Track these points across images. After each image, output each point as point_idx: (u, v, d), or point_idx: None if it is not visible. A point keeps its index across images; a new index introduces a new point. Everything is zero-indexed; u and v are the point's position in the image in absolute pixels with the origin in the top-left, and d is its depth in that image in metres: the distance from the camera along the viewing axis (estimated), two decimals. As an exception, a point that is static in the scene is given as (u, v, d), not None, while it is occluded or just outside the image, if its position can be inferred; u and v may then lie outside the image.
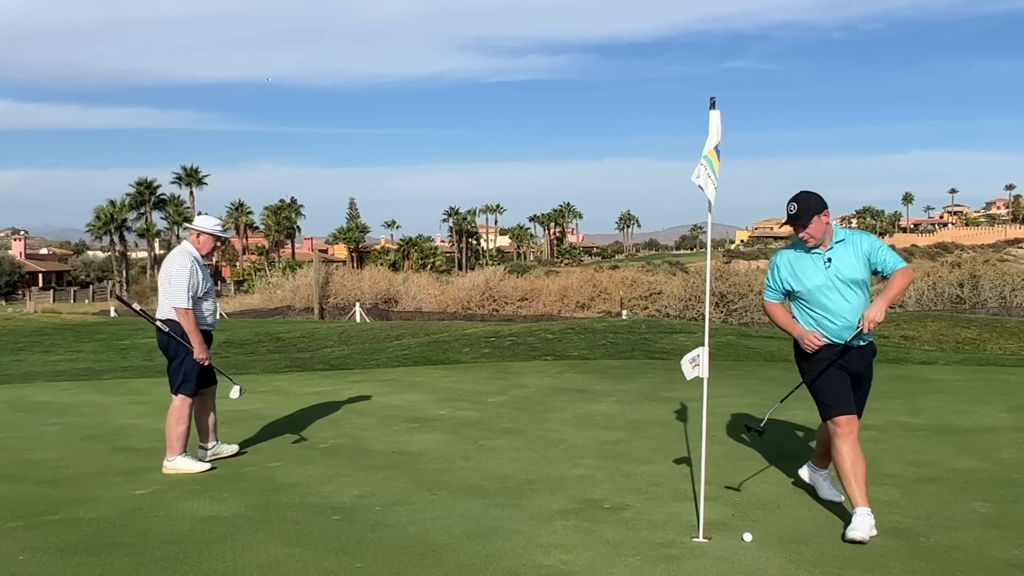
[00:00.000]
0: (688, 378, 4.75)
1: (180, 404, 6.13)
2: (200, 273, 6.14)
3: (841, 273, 4.63)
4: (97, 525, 4.82)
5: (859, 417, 4.73)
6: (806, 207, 4.60)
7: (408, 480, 5.79)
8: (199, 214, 6.57)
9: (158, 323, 6.16)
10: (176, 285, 6.02)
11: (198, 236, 6.27)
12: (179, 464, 6.09)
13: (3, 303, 63.18)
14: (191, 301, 6.04)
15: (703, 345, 4.71)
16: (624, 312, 32.95)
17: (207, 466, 6.15)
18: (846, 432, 4.58)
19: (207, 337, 6.24)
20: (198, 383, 6.17)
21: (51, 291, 78.94)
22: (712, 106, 4.65)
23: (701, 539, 4.48)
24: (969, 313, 26.26)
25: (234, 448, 6.56)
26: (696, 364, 4.69)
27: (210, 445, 6.42)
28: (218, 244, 6.36)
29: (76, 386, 11.34)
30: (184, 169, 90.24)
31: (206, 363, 6.14)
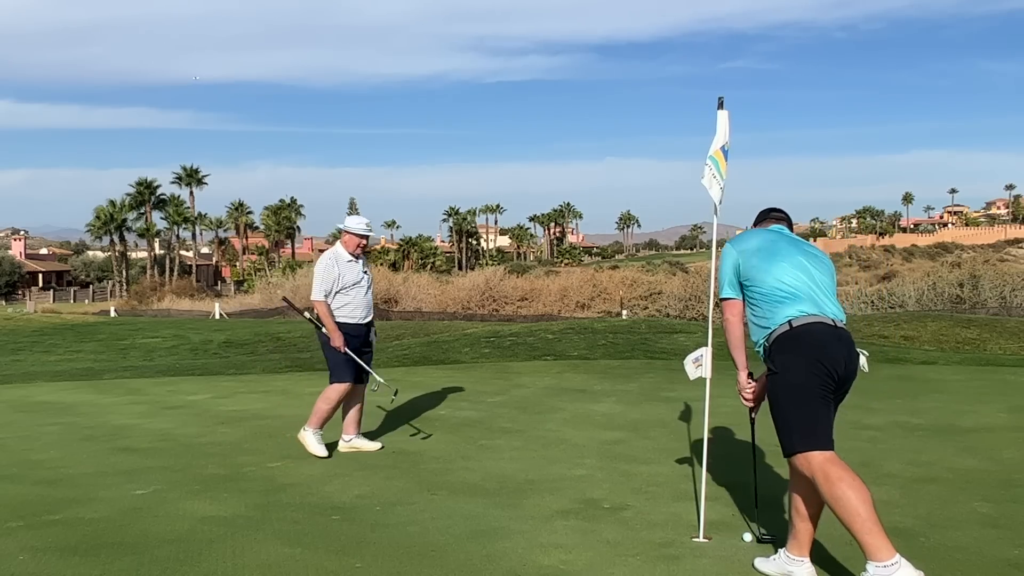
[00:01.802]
0: (692, 378, 4.74)
1: (331, 388, 6.55)
2: (338, 269, 6.50)
3: None
4: (97, 525, 4.81)
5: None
6: None
7: (408, 480, 5.79)
8: (349, 214, 6.76)
9: (306, 314, 6.77)
10: (313, 281, 6.55)
11: (344, 235, 6.65)
12: (306, 437, 6.50)
13: (3, 303, 63.18)
14: (326, 295, 6.47)
15: (706, 345, 4.70)
16: (624, 312, 32.95)
17: (325, 452, 6.44)
18: None
19: (356, 330, 6.58)
20: (349, 374, 6.52)
21: (51, 291, 78.95)
22: (720, 106, 4.64)
23: (701, 539, 4.48)
24: (969, 313, 26.24)
25: (376, 445, 6.72)
26: (699, 364, 4.69)
27: (347, 438, 6.69)
28: (362, 242, 6.64)
29: (76, 386, 11.34)
30: (184, 169, 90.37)
31: (341, 351, 6.44)
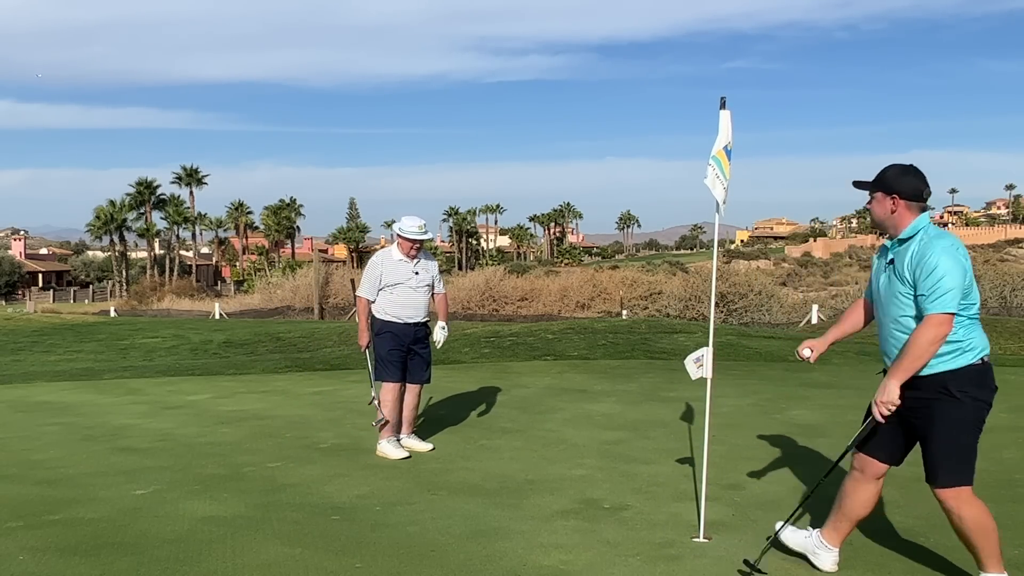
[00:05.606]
0: (693, 378, 4.74)
1: (382, 390, 6.59)
2: (381, 268, 6.53)
3: (892, 282, 3.68)
4: (97, 525, 4.82)
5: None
6: (876, 177, 3.72)
7: (408, 480, 5.79)
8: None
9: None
10: (363, 277, 6.66)
11: (398, 238, 6.61)
12: (380, 448, 6.50)
13: (3, 303, 63.17)
14: (371, 293, 6.55)
15: (707, 345, 4.70)
16: (624, 312, 32.93)
17: (404, 454, 6.42)
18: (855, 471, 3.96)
19: (401, 329, 6.53)
20: (391, 374, 6.53)
21: (51, 291, 78.95)
22: (722, 106, 4.63)
23: (701, 539, 4.48)
24: (969, 313, 26.23)
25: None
26: (700, 364, 4.69)
27: (399, 437, 6.66)
28: (414, 246, 6.52)
29: (76, 386, 11.34)
30: (184, 169, 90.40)
31: (361, 349, 6.72)
